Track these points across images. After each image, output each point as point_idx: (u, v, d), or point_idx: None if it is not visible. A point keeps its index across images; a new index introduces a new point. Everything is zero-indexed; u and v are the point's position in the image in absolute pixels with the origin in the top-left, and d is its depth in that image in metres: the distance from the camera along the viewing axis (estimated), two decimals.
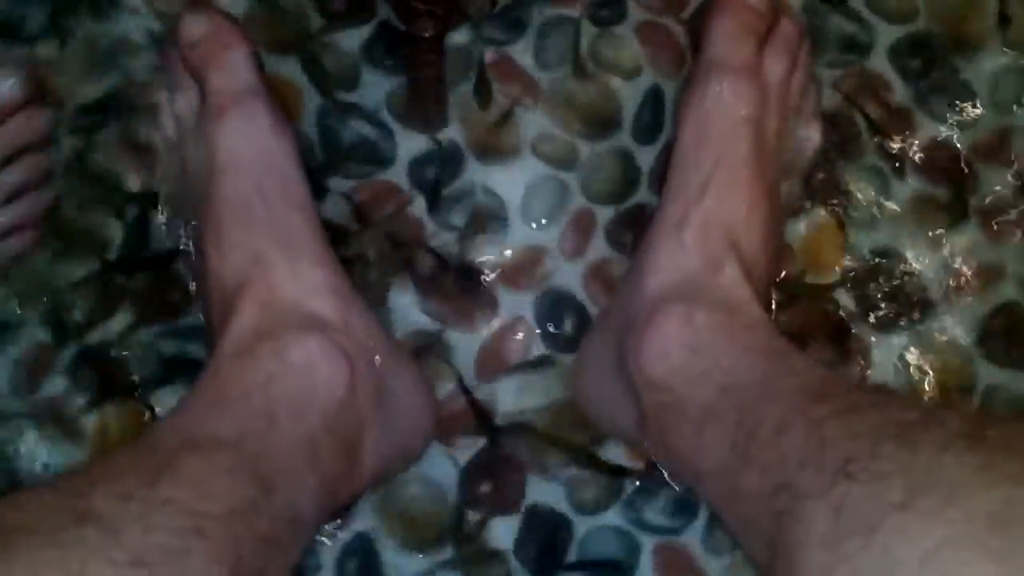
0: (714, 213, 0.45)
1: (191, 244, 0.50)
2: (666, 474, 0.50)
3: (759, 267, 0.46)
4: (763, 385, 0.40)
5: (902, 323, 0.54)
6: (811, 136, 0.52)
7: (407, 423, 0.47)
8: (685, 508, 0.52)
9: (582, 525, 0.51)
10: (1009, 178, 0.56)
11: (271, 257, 0.44)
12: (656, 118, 0.55)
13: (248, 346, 0.42)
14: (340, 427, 0.42)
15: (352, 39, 0.55)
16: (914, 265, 0.55)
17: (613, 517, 0.51)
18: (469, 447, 0.52)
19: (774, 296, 0.53)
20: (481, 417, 0.52)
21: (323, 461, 0.41)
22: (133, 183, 0.53)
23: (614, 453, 0.52)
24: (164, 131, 0.49)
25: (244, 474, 0.37)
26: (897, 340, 0.54)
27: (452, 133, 0.55)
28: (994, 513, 0.28)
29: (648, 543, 0.51)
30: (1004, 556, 0.27)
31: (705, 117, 0.46)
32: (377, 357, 0.45)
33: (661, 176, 0.51)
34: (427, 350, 0.52)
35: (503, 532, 0.51)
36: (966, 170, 0.56)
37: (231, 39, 0.46)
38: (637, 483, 0.52)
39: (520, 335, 0.53)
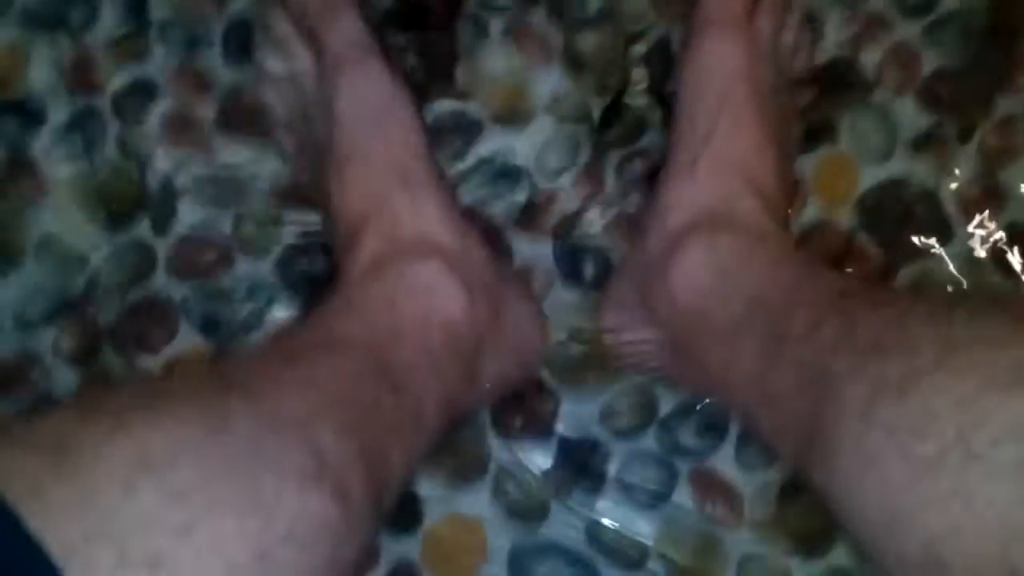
0: (724, 152, 0.48)
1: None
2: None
3: (774, 200, 0.48)
4: (792, 291, 0.41)
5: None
6: (802, 92, 0.54)
7: (520, 346, 0.51)
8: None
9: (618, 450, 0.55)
10: None
11: (393, 194, 0.46)
12: (666, 67, 0.58)
13: (373, 270, 0.45)
14: (459, 345, 0.45)
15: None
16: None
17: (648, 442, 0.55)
18: None
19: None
20: None
21: (444, 372, 0.44)
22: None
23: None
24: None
25: (371, 374, 0.39)
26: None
27: (467, 101, 0.57)
28: None
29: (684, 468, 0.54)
30: None
31: (703, 69, 0.49)
32: (492, 285, 0.48)
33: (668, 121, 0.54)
34: None
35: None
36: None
37: (338, 1, 0.49)
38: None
39: (538, 281, 0.56)
